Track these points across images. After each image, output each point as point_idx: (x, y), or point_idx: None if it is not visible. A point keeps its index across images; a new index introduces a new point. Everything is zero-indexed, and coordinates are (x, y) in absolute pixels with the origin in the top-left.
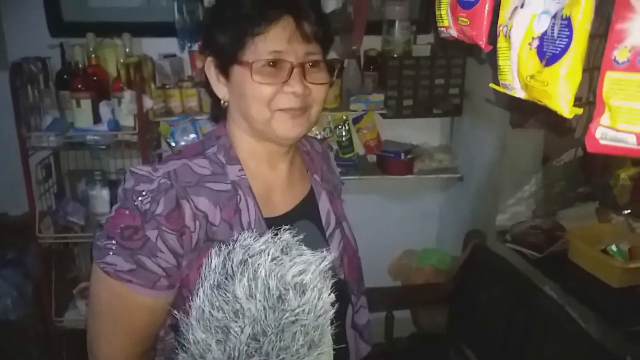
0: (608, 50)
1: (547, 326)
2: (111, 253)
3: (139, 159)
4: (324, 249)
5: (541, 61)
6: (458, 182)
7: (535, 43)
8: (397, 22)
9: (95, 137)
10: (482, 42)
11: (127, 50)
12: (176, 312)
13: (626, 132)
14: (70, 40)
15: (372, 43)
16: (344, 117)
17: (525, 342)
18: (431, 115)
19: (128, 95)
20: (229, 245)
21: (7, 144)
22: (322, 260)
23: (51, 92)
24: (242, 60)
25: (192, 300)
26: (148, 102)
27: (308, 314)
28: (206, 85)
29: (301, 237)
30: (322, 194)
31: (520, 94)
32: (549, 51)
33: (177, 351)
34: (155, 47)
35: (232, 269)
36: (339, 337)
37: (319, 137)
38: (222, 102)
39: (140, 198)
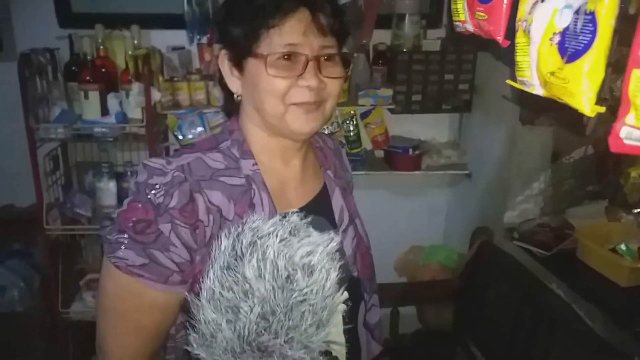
0: (635, 47)
1: (554, 325)
2: (123, 247)
3: (146, 151)
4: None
5: (562, 57)
6: (466, 178)
7: (557, 39)
8: (407, 16)
9: (103, 129)
10: (500, 37)
11: (136, 42)
12: (186, 311)
13: None
14: (79, 32)
15: (381, 37)
16: (352, 112)
17: (532, 340)
18: (440, 110)
19: (136, 87)
20: (238, 227)
21: (15, 135)
22: (330, 242)
23: (59, 83)
24: (257, 53)
25: (202, 282)
26: (156, 95)
27: (316, 294)
28: (219, 78)
29: (309, 219)
30: (335, 190)
31: (538, 90)
32: (571, 47)
33: (187, 331)
34: (164, 39)
35: (242, 250)
36: (351, 336)
37: (326, 132)
38: (235, 96)
39: (153, 191)
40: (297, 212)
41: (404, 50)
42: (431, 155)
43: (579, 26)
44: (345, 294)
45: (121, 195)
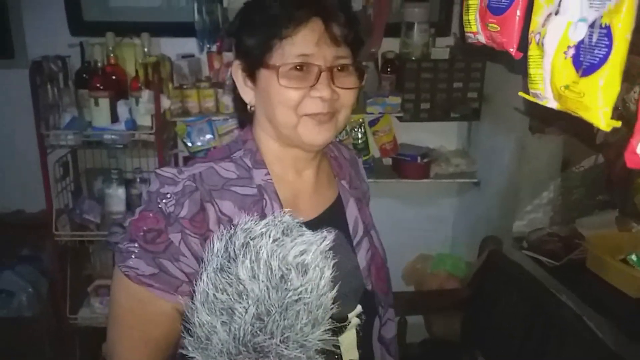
0: None
1: (563, 335)
2: (133, 256)
3: (156, 158)
4: (328, 231)
5: (577, 71)
6: (474, 187)
7: (571, 52)
8: (416, 25)
9: (113, 136)
10: (513, 50)
11: (146, 50)
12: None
13: None
14: (90, 40)
15: (390, 45)
16: (360, 120)
17: (541, 350)
18: (449, 119)
19: (146, 94)
20: (231, 229)
21: (26, 142)
22: (323, 240)
23: (70, 90)
24: (269, 63)
25: (196, 285)
26: (165, 102)
27: (310, 292)
28: (233, 88)
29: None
30: (349, 201)
31: (552, 104)
32: (586, 61)
33: (183, 335)
34: (174, 47)
35: (235, 251)
36: (365, 351)
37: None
38: (249, 106)
39: (164, 200)
40: (289, 212)
41: (413, 58)
42: (440, 163)
43: (594, 40)
44: (359, 307)
45: (130, 202)
